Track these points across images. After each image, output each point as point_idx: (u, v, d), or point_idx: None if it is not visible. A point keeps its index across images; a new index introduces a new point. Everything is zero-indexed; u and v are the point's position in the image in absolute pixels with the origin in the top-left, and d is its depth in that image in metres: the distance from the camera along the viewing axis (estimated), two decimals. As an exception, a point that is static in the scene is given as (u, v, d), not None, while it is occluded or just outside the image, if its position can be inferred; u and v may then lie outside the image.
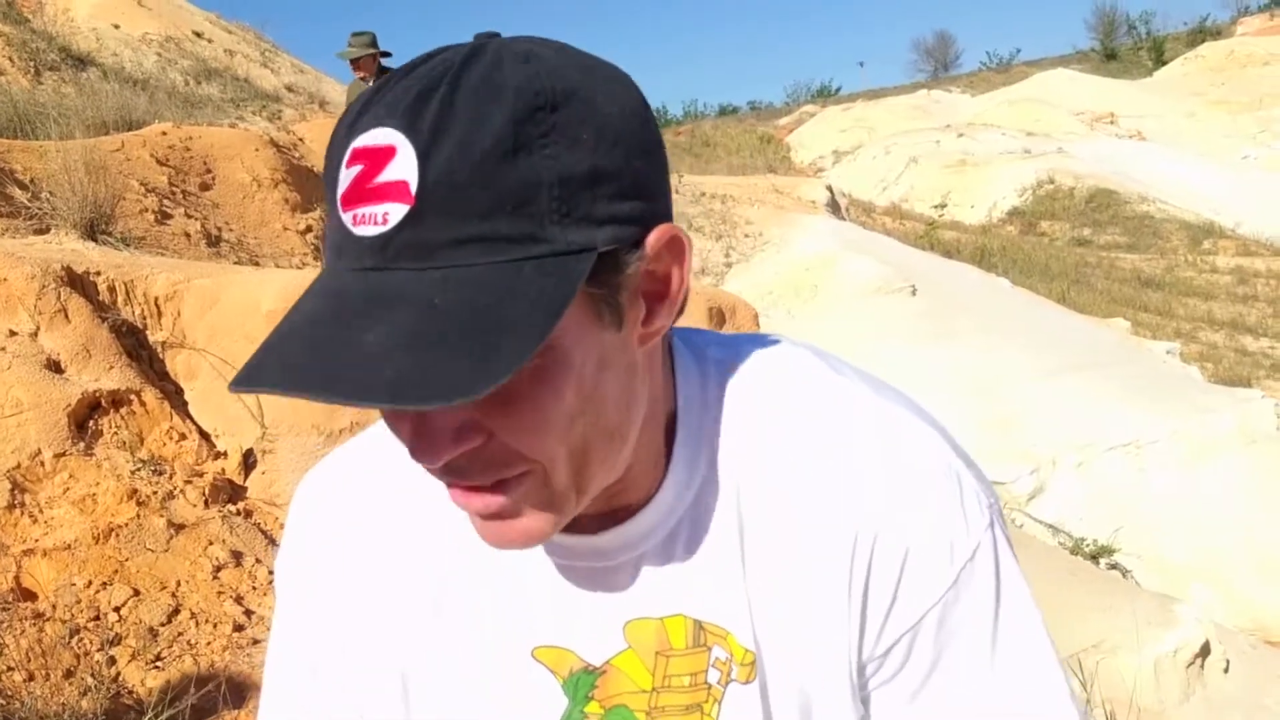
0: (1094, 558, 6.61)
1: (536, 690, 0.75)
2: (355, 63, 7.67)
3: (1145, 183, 25.21)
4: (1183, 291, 18.30)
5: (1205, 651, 4.65)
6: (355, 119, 0.61)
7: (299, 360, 0.57)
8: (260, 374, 0.57)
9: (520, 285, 0.58)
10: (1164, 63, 40.21)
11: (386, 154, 0.58)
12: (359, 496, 0.81)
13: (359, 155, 0.59)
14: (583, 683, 0.75)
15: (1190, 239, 22.39)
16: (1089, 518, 7.22)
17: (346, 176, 0.60)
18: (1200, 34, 46.71)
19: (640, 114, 0.65)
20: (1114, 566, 6.64)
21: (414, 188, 0.57)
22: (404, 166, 0.58)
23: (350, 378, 0.55)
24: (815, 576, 0.71)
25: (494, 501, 0.63)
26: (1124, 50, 50.86)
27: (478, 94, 0.59)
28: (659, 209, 0.65)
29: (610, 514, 0.73)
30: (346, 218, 0.60)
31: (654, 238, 0.64)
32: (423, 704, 0.78)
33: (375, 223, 0.58)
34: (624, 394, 0.66)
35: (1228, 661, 4.70)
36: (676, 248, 0.66)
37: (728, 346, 0.77)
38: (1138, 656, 4.39)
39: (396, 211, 0.58)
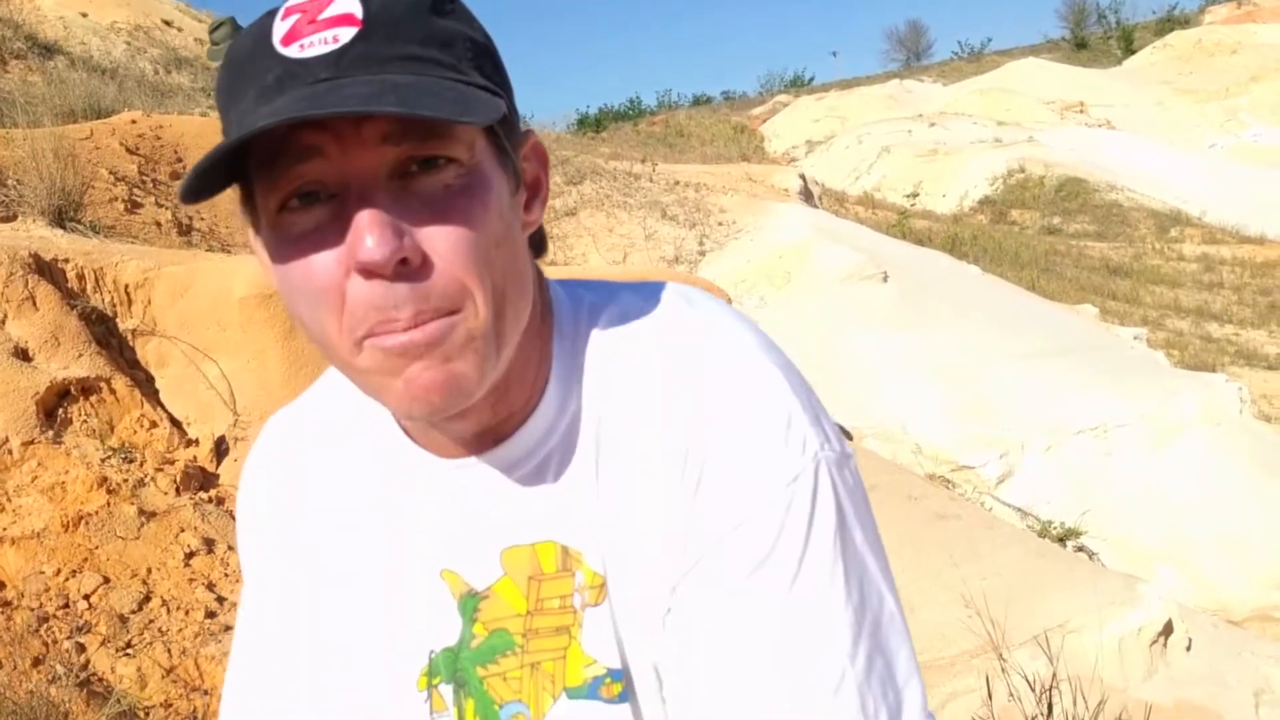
0: (1061, 540, 6.70)
1: (441, 609, 0.81)
2: None
3: (1114, 171, 25.42)
4: (1150, 279, 18.48)
5: (1168, 630, 4.72)
6: None
7: (308, 101, 0.62)
8: (275, 112, 0.62)
9: (463, 89, 0.66)
10: (1133, 52, 40.47)
11: (323, 1, 0.65)
12: (297, 439, 0.89)
13: (294, 9, 0.65)
14: (468, 604, 0.80)
15: (1158, 227, 22.61)
16: (1057, 500, 7.31)
17: (282, 27, 0.65)
18: (1169, 23, 47.03)
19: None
20: (1080, 548, 6.73)
21: (361, 15, 0.64)
22: (346, 3, 0.65)
23: (361, 94, 0.62)
24: (655, 499, 0.74)
25: (430, 329, 0.66)
26: (1094, 39, 51.15)
27: None
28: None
29: (491, 432, 0.77)
30: (291, 49, 0.64)
31: (531, 136, 0.75)
32: (357, 620, 0.84)
33: (325, 44, 0.64)
34: (522, 257, 0.72)
35: (1190, 640, 4.78)
36: (542, 154, 0.77)
37: (601, 290, 0.82)
38: (1102, 635, 4.46)
39: (346, 33, 0.64)
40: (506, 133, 0.71)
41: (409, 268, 0.65)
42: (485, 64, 0.69)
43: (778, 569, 0.69)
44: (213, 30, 6.76)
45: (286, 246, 0.67)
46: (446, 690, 0.81)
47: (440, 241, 0.65)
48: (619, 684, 0.76)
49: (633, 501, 0.74)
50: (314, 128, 0.64)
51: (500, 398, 0.75)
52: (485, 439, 0.78)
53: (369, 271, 0.64)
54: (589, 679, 0.76)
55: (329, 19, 0.64)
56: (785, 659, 0.68)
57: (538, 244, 0.79)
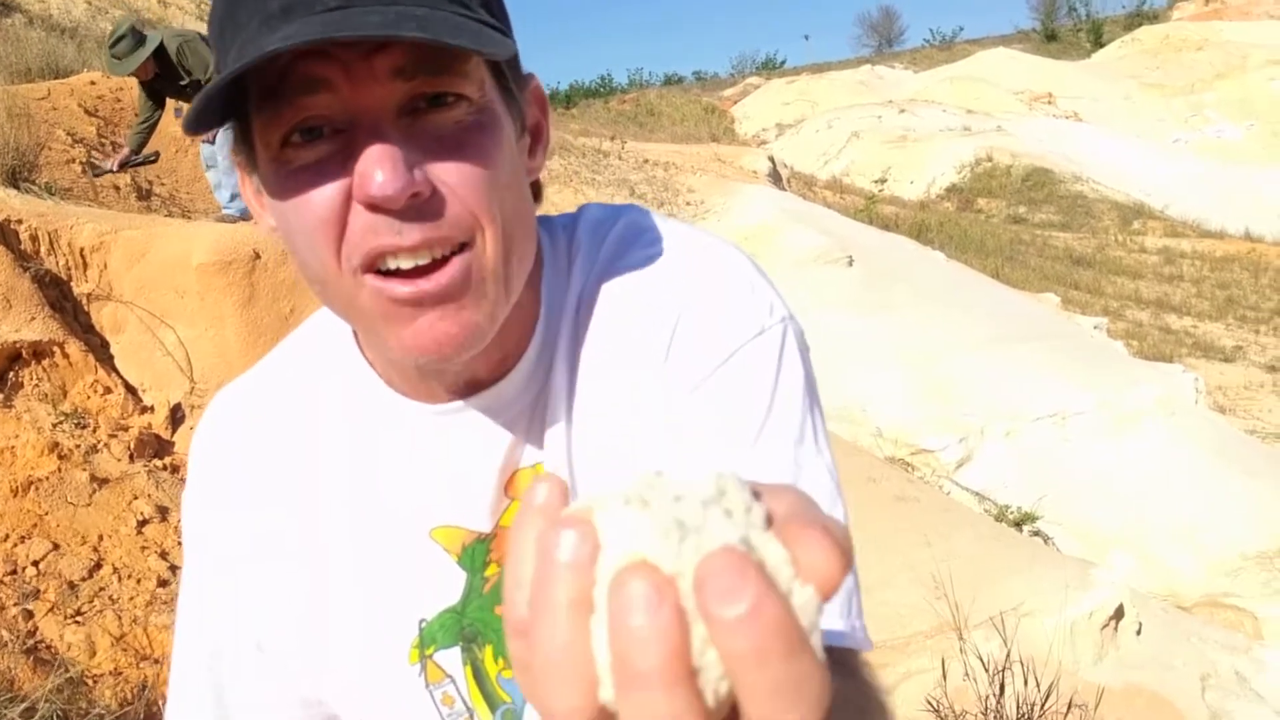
0: (1017, 524, 6.77)
1: (437, 571, 0.78)
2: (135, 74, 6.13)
3: (1080, 163, 25.65)
4: (1112, 270, 18.68)
5: (1119, 614, 4.78)
6: None
7: (324, 25, 0.59)
8: (301, 31, 0.59)
9: (476, 25, 0.64)
10: (1102, 45, 40.84)
11: None
12: (256, 414, 0.83)
13: None
14: (478, 552, 0.78)
15: (1121, 219, 22.86)
16: (1014, 485, 7.38)
17: None
18: (1138, 17, 47.53)
19: None
20: (1036, 533, 6.81)
21: None
22: None
23: (377, 20, 0.59)
24: (630, 376, 0.75)
25: (441, 278, 0.65)
26: (1064, 31, 51.60)
27: None
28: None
29: (488, 374, 0.76)
30: None
31: (535, 81, 0.74)
32: (334, 602, 0.80)
33: None
34: (528, 201, 0.72)
35: (1140, 624, 4.85)
36: (542, 99, 0.76)
37: (568, 220, 0.84)
38: (1055, 618, 4.51)
39: None
40: (513, 76, 0.71)
41: (419, 200, 0.63)
42: (495, 5, 0.69)
43: (747, 420, 0.71)
44: (113, 44, 5.84)
45: (287, 180, 0.65)
46: (448, 655, 0.79)
47: (452, 175, 0.64)
48: None
49: (605, 403, 0.75)
50: (322, 59, 0.62)
51: (501, 340, 0.74)
52: (479, 381, 0.76)
53: (376, 206, 0.63)
54: None
55: None
56: None
57: (534, 193, 0.80)
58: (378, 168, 0.61)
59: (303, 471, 0.80)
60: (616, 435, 0.75)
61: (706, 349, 0.73)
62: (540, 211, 0.78)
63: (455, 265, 0.64)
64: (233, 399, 0.85)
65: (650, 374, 0.74)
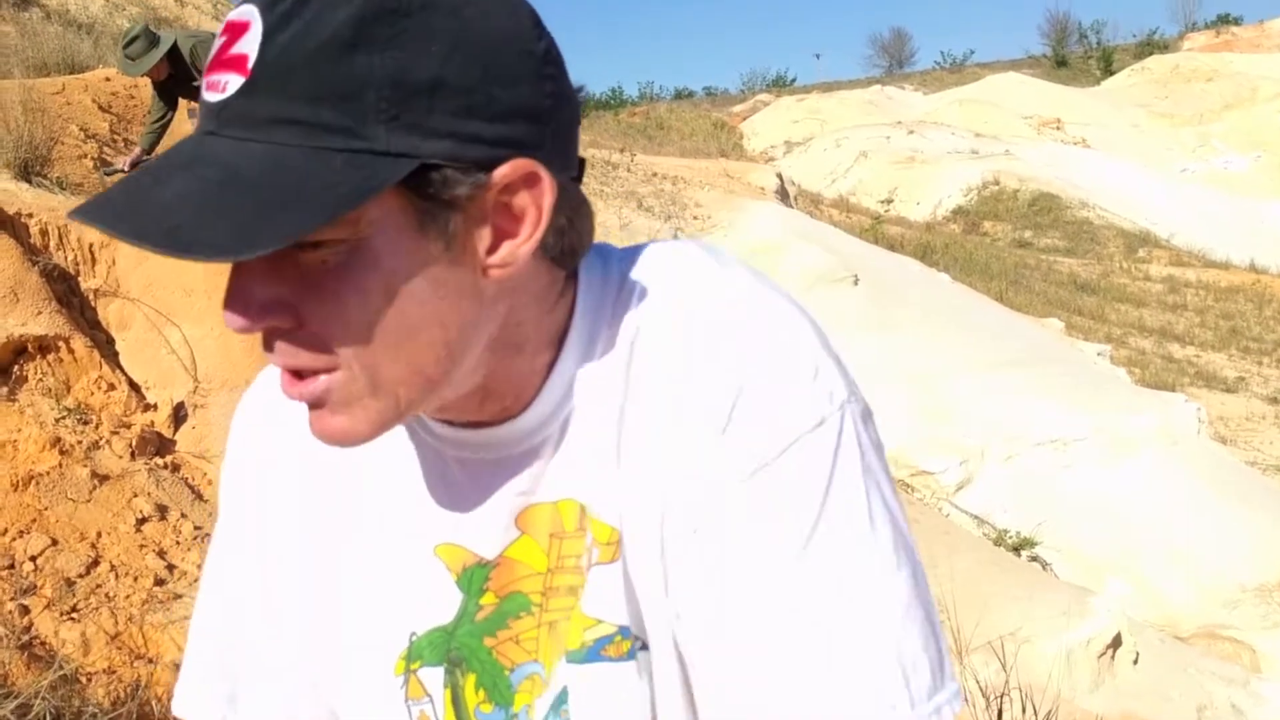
0: (1016, 549, 6.76)
1: (435, 586, 0.78)
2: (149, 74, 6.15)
3: (1087, 189, 25.69)
4: (1116, 297, 18.70)
5: (1117, 643, 4.78)
6: None
7: (115, 205, 0.60)
8: (87, 208, 0.61)
9: (325, 171, 0.59)
10: (1112, 72, 40.99)
11: (243, 28, 0.62)
12: (285, 413, 0.83)
13: (228, 28, 0.63)
14: (476, 576, 0.77)
15: (1126, 247, 22.89)
16: (1014, 510, 7.37)
17: (216, 45, 0.64)
18: (1148, 46, 47.73)
19: (521, 43, 0.65)
20: (1035, 559, 6.80)
21: (251, 62, 0.60)
22: (250, 42, 0.61)
23: (137, 222, 0.59)
24: (680, 449, 0.71)
25: (306, 390, 0.66)
26: (1074, 58, 51.79)
27: None
28: (523, 140, 0.64)
29: (491, 419, 0.75)
30: (204, 83, 0.64)
31: (506, 168, 0.63)
32: (337, 602, 0.81)
33: (218, 90, 0.62)
34: (453, 314, 0.66)
35: (1137, 653, 4.84)
36: (534, 183, 0.65)
37: (628, 255, 0.79)
38: (1052, 645, 4.50)
39: (234, 82, 0.61)
40: (440, 184, 0.62)
41: (282, 330, 0.65)
42: (419, 106, 0.61)
43: (799, 514, 0.68)
44: (127, 44, 5.95)
45: None
46: (431, 674, 0.79)
47: (312, 317, 0.64)
48: (629, 641, 0.74)
49: (657, 458, 0.72)
50: None
51: (498, 394, 0.74)
52: (484, 424, 0.76)
53: None
54: (589, 642, 0.75)
55: (231, 57, 0.61)
56: (808, 618, 0.66)
57: (568, 252, 0.72)
58: (229, 305, 0.63)
59: (320, 467, 0.82)
60: (670, 494, 0.72)
61: (766, 434, 0.69)
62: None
63: (320, 382, 0.66)
64: (271, 392, 0.86)
65: (709, 442, 0.70)
